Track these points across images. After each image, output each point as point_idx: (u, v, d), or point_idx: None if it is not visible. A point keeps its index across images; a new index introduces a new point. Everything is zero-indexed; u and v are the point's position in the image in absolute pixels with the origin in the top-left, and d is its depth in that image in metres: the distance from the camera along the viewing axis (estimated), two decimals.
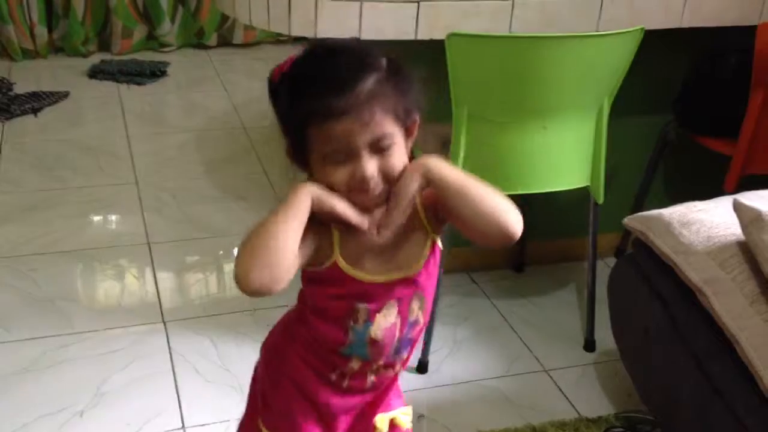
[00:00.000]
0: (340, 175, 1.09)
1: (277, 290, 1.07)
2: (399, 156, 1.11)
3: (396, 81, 1.10)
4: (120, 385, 2.10)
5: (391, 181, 1.11)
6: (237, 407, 2.03)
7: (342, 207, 1.10)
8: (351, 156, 1.08)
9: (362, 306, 1.18)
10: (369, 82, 1.07)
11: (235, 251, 2.88)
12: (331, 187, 1.11)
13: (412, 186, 1.11)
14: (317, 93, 1.06)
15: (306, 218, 1.09)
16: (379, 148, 1.09)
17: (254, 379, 1.38)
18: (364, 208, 1.13)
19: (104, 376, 2.13)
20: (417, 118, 1.15)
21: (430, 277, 1.23)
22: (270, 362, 1.32)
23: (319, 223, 1.12)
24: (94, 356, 2.21)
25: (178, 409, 2.03)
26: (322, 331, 1.22)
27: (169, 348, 2.25)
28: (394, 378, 1.31)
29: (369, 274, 1.17)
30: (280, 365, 1.29)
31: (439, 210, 1.18)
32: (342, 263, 1.16)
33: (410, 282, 1.20)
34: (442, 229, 1.22)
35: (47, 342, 2.25)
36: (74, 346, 2.24)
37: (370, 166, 1.09)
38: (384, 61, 1.10)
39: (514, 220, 1.14)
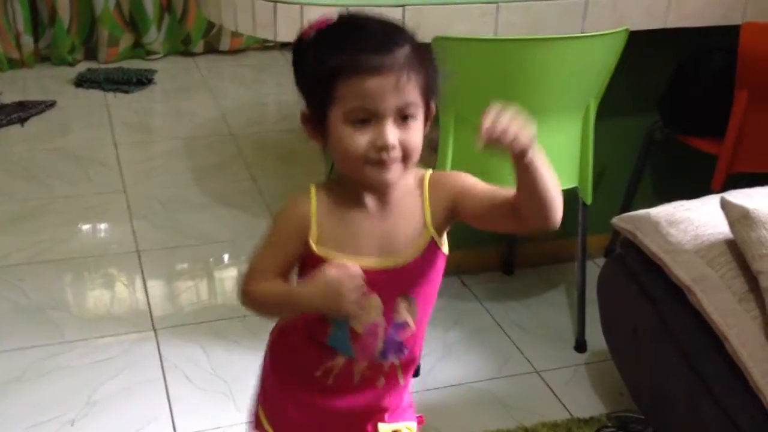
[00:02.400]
0: (360, 140, 1.07)
1: None
2: (419, 133, 1.11)
3: (425, 57, 1.11)
4: (111, 394, 2.10)
5: (408, 159, 1.11)
6: (228, 414, 2.04)
7: (355, 313, 1.14)
8: (375, 119, 1.07)
9: None
10: (406, 49, 1.08)
11: (226, 258, 2.86)
12: (347, 156, 1.09)
13: (525, 138, 1.03)
14: (357, 46, 1.07)
15: None
16: (403, 116, 1.08)
17: (261, 368, 1.38)
18: (367, 189, 1.15)
19: (95, 384, 2.12)
20: (434, 106, 1.15)
21: (420, 282, 1.20)
22: (268, 352, 1.33)
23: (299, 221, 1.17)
24: (85, 365, 2.20)
25: (170, 417, 2.03)
26: (309, 318, 1.23)
27: (160, 356, 2.25)
28: (393, 390, 1.28)
29: (348, 257, 1.14)
30: (276, 356, 1.31)
31: (458, 205, 1.17)
32: (317, 250, 1.15)
33: (393, 275, 1.17)
34: (446, 229, 1.21)
35: (37, 351, 2.24)
36: (64, 356, 2.23)
37: (393, 133, 1.08)
38: (415, 38, 1.12)
39: (560, 210, 1.12)
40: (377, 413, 1.29)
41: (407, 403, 1.34)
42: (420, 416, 1.37)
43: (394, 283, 1.18)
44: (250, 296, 1.21)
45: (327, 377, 1.24)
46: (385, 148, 1.07)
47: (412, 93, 1.08)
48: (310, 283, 1.13)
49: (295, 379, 1.28)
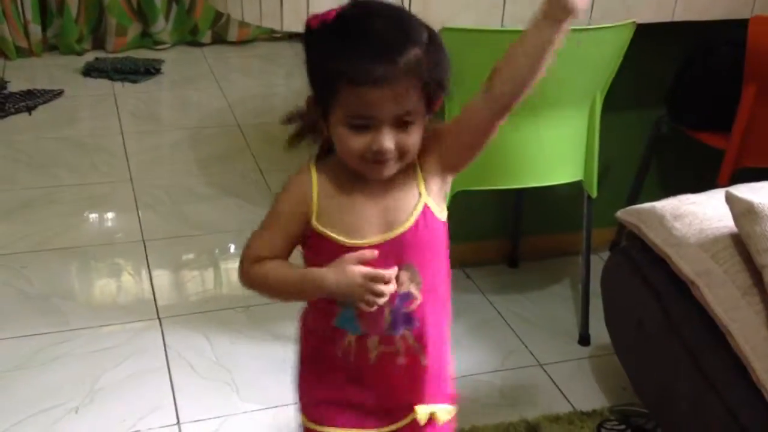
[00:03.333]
0: (358, 142, 1.11)
1: None
2: (417, 134, 1.13)
3: (433, 58, 1.10)
4: (115, 382, 2.10)
5: (405, 157, 1.13)
6: (231, 403, 2.05)
7: (358, 297, 1.15)
8: (373, 125, 1.09)
9: None
10: (410, 56, 1.07)
11: (231, 248, 2.86)
12: (345, 153, 1.13)
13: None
14: (360, 55, 1.06)
15: None
16: (401, 123, 1.10)
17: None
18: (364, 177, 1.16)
19: (99, 372, 2.13)
20: (442, 97, 1.15)
21: (419, 250, 1.20)
22: (299, 340, 1.34)
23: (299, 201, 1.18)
24: (89, 353, 2.20)
25: (173, 405, 2.04)
26: (314, 301, 1.25)
27: (164, 344, 2.25)
28: (418, 366, 1.27)
29: (347, 234, 1.17)
30: (303, 344, 1.32)
31: (442, 153, 1.18)
32: (318, 228, 1.17)
33: (392, 246, 1.17)
34: (444, 192, 1.21)
35: (42, 339, 2.25)
36: (69, 343, 2.24)
37: (389, 140, 1.10)
38: (426, 35, 1.11)
39: None
40: (413, 395, 1.28)
41: (445, 385, 1.33)
42: (454, 396, 1.36)
43: (392, 254, 1.18)
44: (252, 277, 1.22)
45: (348, 356, 1.24)
46: (380, 153, 1.10)
47: (411, 101, 1.09)
48: (333, 270, 1.15)
49: (325, 366, 1.28)
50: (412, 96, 1.08)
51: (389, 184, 1.18)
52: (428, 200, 1.19)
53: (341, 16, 1.10)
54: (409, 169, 1.19)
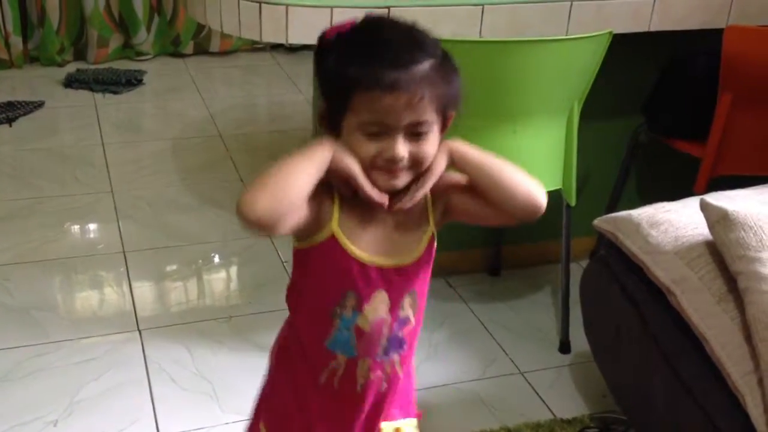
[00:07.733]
0: (370, 148, 1.10)
1: (276, 228, 1.08)
2: (432, 145, 1.13)
3: (445, 72, 1.12)
4: (95, 394, 2.09)
5: (418, 168, 1.13)
6: (212, 414, 2.04)
7: (359, 172, 1.11)
8: (387, 132, 1.09)
9: (351, 293, 1.18)
10: (425, 65, 1.09)
11: (212, 259, 2.85)
12: (357, 159, 1.12)
13: (440, 164, 1.14)
14: (375, 60, 1.08)
15: (323, 170, 1.10)
16: (415, 132, 1.10)
17: (264, 385, 1.38)
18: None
19: (79, 385, 2.12)
20: (453, 113, 1.16)
21: (422, 276, 1.22)
22: (272, 367, 1.33)
23: (324, 190, 1.14)
24: (69, 365, 2.20)
25: (153, 418, 2.03)
26: (308, 321, 1.23)
27: (144, 356, 2.25)
28: (394, 388, 1.28)
29: (363, 252, 1.17)
30: (278, 371, 1.31)
31: (449, 203, 1.22)
32: (339, 233, 1.16)
33: (402, 273, 1.19)
34: (442, 225, 1.24)
35: (21, 351, 2.24)
36: (49, 356, 2.23)
37: (402, 147, 1.10)
38: (440, 51, 1.12)
39: (537, 190, 1.17)
40: (383, 412, 1.30)
41: (411, 399, 1.35)
42: (419, 413, 1.39)
43: (404, 281, 1.20)
44: (253, 185, 1.09)
45: (332, 381, 1.24)
46: (392, 160, 1.10)
47: (426, 110, 1.09)
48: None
49: (302, 392, 1.27)
50: (425, 106, 1.09)
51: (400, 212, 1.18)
52: (434, 230, 1.22)
53: (357, 28, 1.12)
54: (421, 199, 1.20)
